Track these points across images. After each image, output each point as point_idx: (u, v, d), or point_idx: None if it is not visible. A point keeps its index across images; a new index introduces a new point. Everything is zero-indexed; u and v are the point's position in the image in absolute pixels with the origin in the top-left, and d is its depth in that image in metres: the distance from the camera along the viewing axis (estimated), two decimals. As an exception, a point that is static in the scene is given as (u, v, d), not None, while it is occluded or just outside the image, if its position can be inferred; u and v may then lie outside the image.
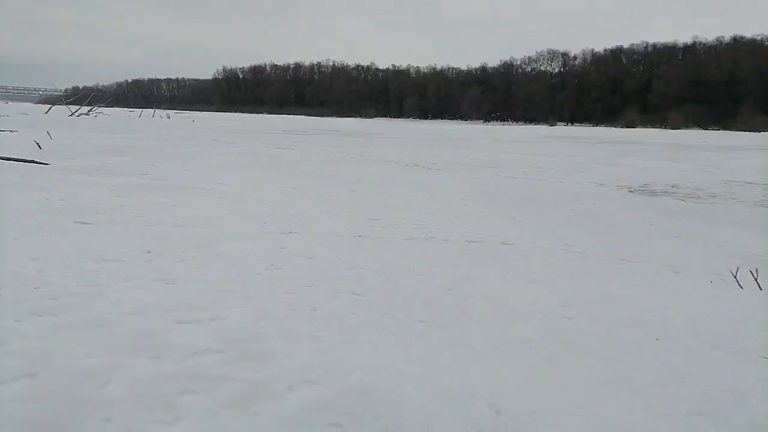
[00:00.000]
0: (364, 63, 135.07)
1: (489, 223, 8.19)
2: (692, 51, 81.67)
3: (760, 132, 50.73)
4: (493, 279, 5.01)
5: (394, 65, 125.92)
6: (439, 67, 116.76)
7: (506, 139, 37.39)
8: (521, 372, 2.93)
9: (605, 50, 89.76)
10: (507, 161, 19.43)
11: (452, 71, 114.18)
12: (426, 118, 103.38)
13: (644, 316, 4.11)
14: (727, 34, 78.90)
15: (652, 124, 67.31)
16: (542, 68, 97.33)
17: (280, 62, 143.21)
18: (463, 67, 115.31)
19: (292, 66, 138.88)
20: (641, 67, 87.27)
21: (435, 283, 4.65)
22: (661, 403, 2.67)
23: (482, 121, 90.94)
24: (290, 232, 6.44)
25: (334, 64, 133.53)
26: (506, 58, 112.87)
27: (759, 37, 75.25)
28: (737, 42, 76.86)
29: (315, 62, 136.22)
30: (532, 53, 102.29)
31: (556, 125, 76.44)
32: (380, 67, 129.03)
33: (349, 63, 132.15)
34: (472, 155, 21.74)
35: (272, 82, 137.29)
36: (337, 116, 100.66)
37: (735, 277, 5.57)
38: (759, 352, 3.50)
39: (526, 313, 3.99)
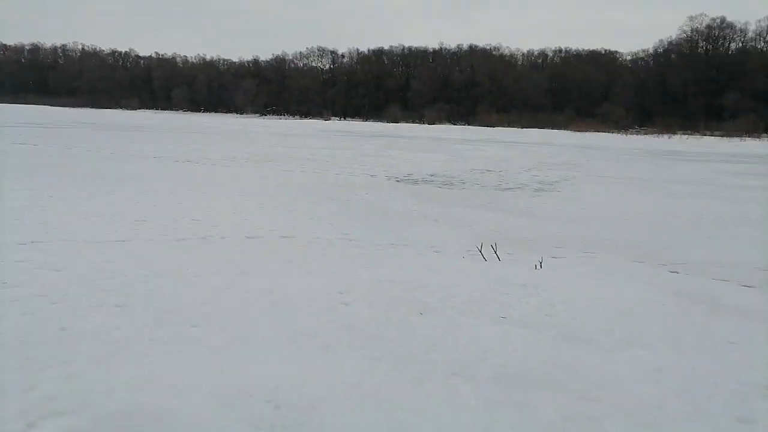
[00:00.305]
0: (122, 48, 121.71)
1: (268, 218, 8.12)
2: (440, 56, 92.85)
3: (494, 127, 60.28)
4: (273, 273, 4.97)
5: (157, 53, 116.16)
6: (209, 57, 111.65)
7: (283, 132, 37.61)
8: (301, 363, 2.95)
9: (369, 50, 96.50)
10: (285, 155, 19.53)
11: (224, 62, 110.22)
12: (198, 110, 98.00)
13: (410, 295, 4.51)
14: (465, 43, 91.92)
15: (413, 119, 74.80)
16: (314, 64, 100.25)
17: (10, 42, 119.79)
18: (235, 59, 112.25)
19: (28, 47, 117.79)
20: (400, 68, 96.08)
21: (211, 284, 4.42)
22: (424, 370, 2.96)
23: (258, 114, 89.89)
24: (32, 242, 5.46)
25: (83, 48, 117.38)
26: (278, 52, 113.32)
27: (488, 47, 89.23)
28: (473, 50, 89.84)
29: (59, 45, 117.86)
30: (303, 49, 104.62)
31: (330, 120, 79.61)
32: (141, 54, 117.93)
33: (103, 48, 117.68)
34: (249, 149, 21.34)
35: (0, 66, 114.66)
36: (91, 107, 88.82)
37: (480, 251, 6.49)
38: (498, 313, 4.14)
39: (305, 304, 4.05)
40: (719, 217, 9.85)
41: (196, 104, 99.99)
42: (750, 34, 68.17)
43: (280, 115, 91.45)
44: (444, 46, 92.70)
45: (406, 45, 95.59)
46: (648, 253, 7.07)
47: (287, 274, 4.98)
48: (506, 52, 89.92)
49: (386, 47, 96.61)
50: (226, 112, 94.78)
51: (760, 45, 67.88)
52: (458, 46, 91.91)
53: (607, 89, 72.94)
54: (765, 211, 10.67)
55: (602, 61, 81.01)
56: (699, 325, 4.07)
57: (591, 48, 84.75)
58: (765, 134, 49.97)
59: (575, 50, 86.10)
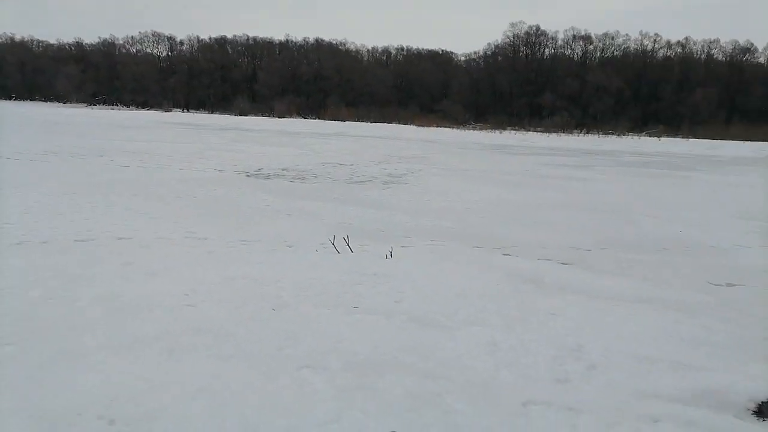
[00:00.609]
0: None
1: (101, 218, 7.38)
2: (287, 48, 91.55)
3: (343, 121, 61.18)
4: (108, 278, 4.54)
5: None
6: (18, 37, 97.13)
7: (116, 124, 34.29)
8: (140, 371, 2.74)
9: (211, 39, 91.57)
10: (120, 148, 17.85)
11: (39, 44, 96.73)
12: (9, 98, 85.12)
13: (263, 291, 4.42)
14: (312, 36, 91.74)
15: (262, 112, 72.76)
16: (149, 50, 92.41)
17: None
18: (52, 40, 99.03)
19: None
20: (246, 59, 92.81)
21: (30, 296, 3.90)
22: (276, 366, 2.93)
23: (86, 104, 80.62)
24: None
25: None
26: (105, 35, 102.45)
27: (335, 41, 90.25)
28: (320, 44, 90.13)
29: None
30: (135, 33, 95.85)
31: (171, 111, 74.24)
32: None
33: None
34: (78, 142, 19.13)
35: None
36: None
37: (333, 244, 6.57)
38: (351, 303, 4.23)
39: (146, 308, 3.76)
40: (542, 203, 11.11)
41: (5, 91, 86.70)
42: (559, 42, 77.71)
43: (113, 105, 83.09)
44: (290, 38, 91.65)
45: (251, 35, 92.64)
46: (484, 238, 7.74)
47: (125, 278, 4.58)
48: (352, 47, 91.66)
49: (229, 36, 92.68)
50: (44, 101, 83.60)
51: (568, 52, 77.76)
52: (305, 39, 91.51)
53: (445, 87, 78.04)
54: (579, 196, 12.28)
55: (440, 61, 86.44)
56: (526, 301, 4.57)
57: (430, 48, 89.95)
58: (576, 130, 57.46)
59: (416, 49, 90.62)
